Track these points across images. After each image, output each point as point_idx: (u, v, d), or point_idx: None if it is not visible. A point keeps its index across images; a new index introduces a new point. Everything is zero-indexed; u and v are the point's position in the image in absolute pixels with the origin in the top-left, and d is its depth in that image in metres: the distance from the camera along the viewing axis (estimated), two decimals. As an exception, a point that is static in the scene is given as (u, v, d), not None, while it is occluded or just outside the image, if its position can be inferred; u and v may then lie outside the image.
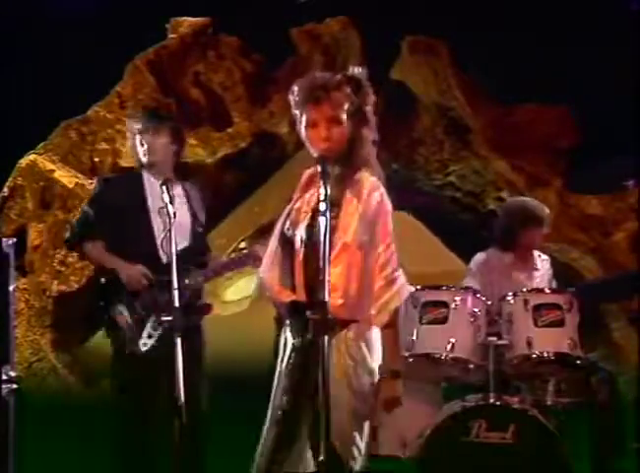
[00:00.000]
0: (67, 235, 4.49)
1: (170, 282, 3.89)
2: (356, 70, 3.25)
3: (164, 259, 4.09)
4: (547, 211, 5.35)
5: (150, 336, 4.13)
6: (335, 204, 3.09)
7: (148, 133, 4.27)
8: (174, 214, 3.66)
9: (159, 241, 4.17)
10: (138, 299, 4.17)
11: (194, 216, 4.35)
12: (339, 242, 3.10)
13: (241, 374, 6.43)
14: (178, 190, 4.30)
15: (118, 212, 4.25)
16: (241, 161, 8.27)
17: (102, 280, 4.30)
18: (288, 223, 3.25)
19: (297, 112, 3.23)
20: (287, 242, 3.22)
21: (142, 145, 4.29)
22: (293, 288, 3.18)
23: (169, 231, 3.65)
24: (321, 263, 2.92)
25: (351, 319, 3.13)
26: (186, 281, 4.13)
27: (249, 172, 8.30)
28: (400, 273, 3.20)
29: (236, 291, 7.96)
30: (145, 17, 7.51)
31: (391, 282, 3.16)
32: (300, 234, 3.18)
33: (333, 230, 3.06)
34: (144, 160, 4.30)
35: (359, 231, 3.12)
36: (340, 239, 3.11)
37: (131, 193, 4.30)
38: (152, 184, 4.30)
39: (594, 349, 6.08)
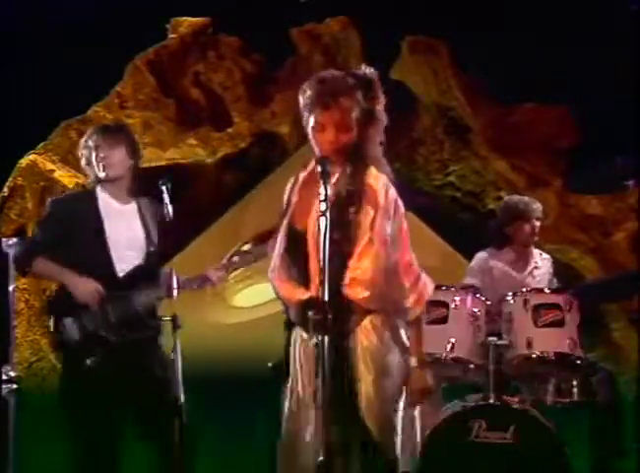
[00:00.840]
0: (16, 257, 4.32)
1: (126, 297, 4.04)
2: (368, 70, 3.25)
3: (120, 274, 4.11)
4: (537, 205, 5.36)
5: (98, 351, 4.06)
6: (355, 200, 3.14)
7: (105, 148, 4.15)
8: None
9: (114, 258, 4.12)
10: (87, 314, 4.09)
11: (147, 234, 4.24)
12: (364, 237, 3.12)
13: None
14: (132, 206, 4.25)
15: (70, 231, 4.14)
16: (241, 161, 8.27)
17: (50, 294, 4.23)
18: (296, 219, 3.24)
19: (305, 113, 3.23)
20: (297, 239, 3.22)
21: (98, 161, 4.15)
22: (307, 284, 3.18)
23: (169, 231, 3.65)
24: (321, 263, 2.94)
25: (376, 310, 3.16)
26: (140, 298, 4.11)
27: (249, 172, 8.30)
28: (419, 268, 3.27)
29: (246, 298, 7.94)
30: (145, 17, 7.51)
31: (418, 277, 3.23)
32: (317, 227, 3.09)
33: (356, 225, 3.12)
34: (101, 175, 4.16)
35: (383, 225, 3.15)
36: (365, 234, 3.12)
37: (84, 212, 4.17)
38: (106, 201, 4.20)
39: (594, 349, 6.08)
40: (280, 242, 3.24)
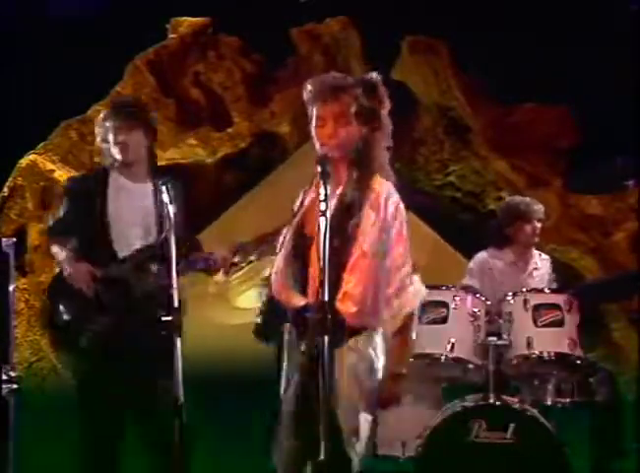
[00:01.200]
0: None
1: (123, 280, 4.03)
2: (374, 75, 3.27)
3: (121, 255, 4.11)
4: (538, 206, 5.37)
5: (90, 332, 4.06)
6: (357, 208, 3.14)
7: (123, 131, 4.15)
8: (173, 214, 3.62)
9: (115, 238, 4.11)
10: (79, 296, 4.08)
11: (160, 215, 4.22)
12: (357, 251, 3.11)
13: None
14: (147, 186, 4.22)
15: (82, 210, 4.17)
16: (241, 161, 8.27)
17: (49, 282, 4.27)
18: (306, 222, 3.24)
19: (309, 108, 3.26)
20: (303, 241, 3.22)
21: (115, 143, 4.16)
22: (305, 289, 3.18)
23: (169, 231, 3.64)
24: (321, 263, 2.94)
25: (362, 327, 3.14)
26: (139, 284, 4.11)
27: (249, 172, 8.30)
28: (415, 278, 3.20)
29: (249, 299, 7.93)
30: (145, 17, 7.52)
31: (404, 287, 3.16)
32: (317, 227, 3.07)
33: (353, 238, 3.11)
34: (118, 157, 4.17)
35: (377, 238, 3.13)
36: (358, 248, 3.12)
37: (94, 191, 4.19)
38: (118, 181, 4.21)
39: (594, 349, 6.08)
40: (286, 243, 3.25)
